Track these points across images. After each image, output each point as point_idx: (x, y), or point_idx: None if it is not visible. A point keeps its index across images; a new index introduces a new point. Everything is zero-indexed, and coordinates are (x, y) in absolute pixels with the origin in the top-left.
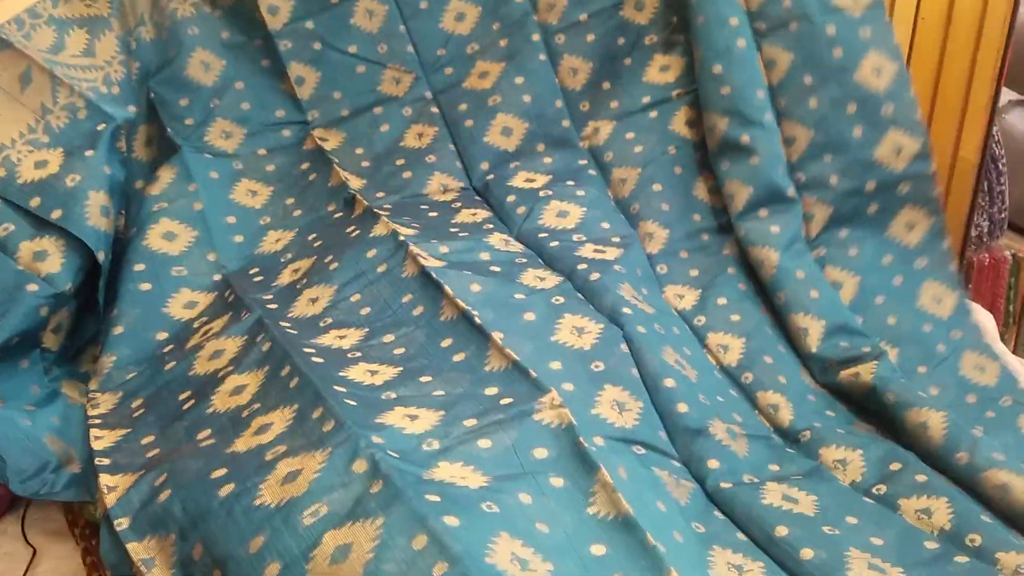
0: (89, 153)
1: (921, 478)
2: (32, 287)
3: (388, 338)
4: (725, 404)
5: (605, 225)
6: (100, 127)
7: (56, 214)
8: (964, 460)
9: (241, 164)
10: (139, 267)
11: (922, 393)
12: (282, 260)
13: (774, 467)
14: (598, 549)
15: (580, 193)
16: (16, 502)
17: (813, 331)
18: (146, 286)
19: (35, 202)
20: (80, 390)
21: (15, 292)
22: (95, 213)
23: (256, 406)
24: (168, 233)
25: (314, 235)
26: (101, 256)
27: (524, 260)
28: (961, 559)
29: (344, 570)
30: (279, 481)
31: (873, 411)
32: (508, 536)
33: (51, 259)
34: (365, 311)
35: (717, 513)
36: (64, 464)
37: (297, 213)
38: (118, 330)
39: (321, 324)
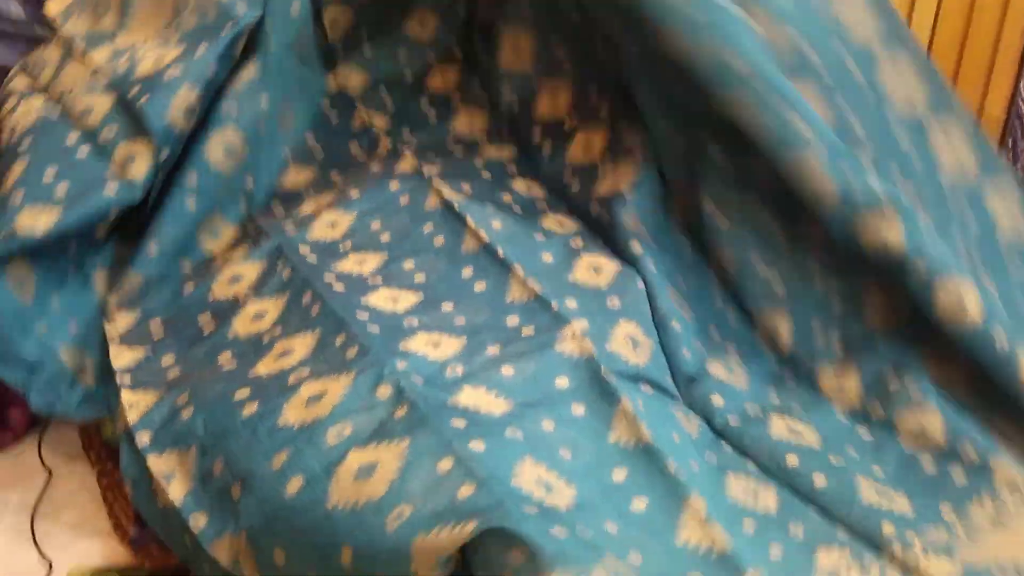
0: (201, 49)
1: (917, 395)
2: (111, 189)
3: (408, 264)
4: (722, 337)
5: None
6: (225, 28)
7: (144, 99)
8: (1004, 346)
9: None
10: (192, 179)
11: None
12: (304, 196)
13: (775, 399)
14: (619, 474)
15: (602, 114)
16: (33, 426)
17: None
18: (191, 203)
19: (134, 90)
20: (107, 282)
21: (95, 188)
22: (179, 111)
23: (277, 331)
24: (229, 147)
25: (335, 171)
26: (164, 154)
27: (546, 205)
28: (959, 478)
29: (368, 487)
30: (303, 403)
31: (887, 288)
32: (532, 461)
33: (137, 164)
34: (385, 237)
35: (726, 446)
36: (77, 376)
37: (317, 150)
38: (152, 249)
39: (341, 249)
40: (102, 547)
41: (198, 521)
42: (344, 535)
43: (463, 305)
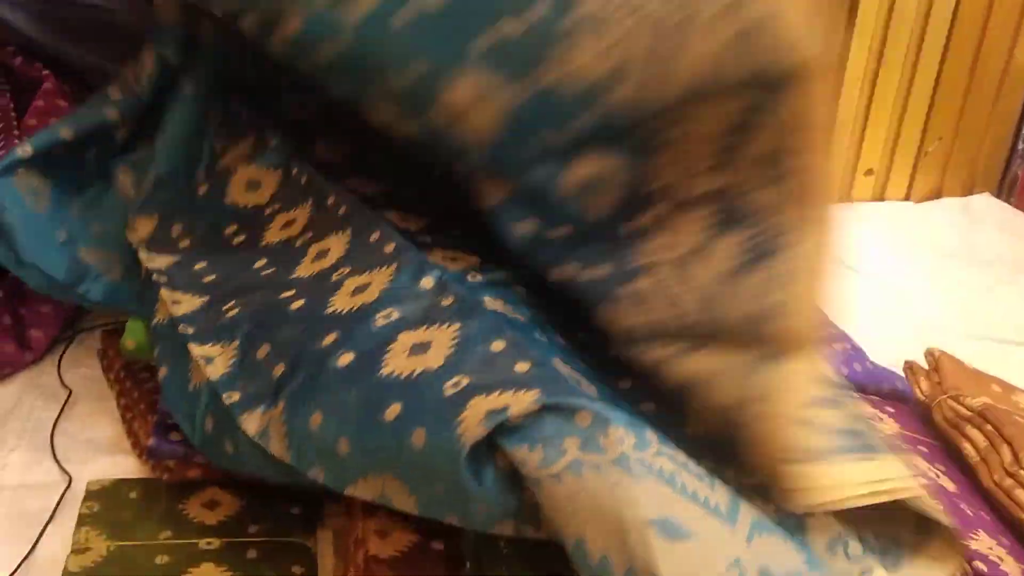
0: None
1: None
2: (113, 93)
3: (412, 193)
4: None
5: None
6: None
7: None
8: None
9: None
10: (193, 64)
11: None
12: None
13: None
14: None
15: None
16: (53, 347)
17: None
18: (191, 88)
19: None
20: (132, 180)
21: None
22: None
23: (308, 236)
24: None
25: None
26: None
27: None
28: None
29: (423, 360)
30: (349, 293)
31: None
32: (561, 360)
33: (144, 69)
34: (386, 169)
35: None
36: (103, 273)
37: None
38: (160, 140)
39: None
40: (120, 463)
41: (232, 396)
42: (395, 396)
43: (471, 228)
